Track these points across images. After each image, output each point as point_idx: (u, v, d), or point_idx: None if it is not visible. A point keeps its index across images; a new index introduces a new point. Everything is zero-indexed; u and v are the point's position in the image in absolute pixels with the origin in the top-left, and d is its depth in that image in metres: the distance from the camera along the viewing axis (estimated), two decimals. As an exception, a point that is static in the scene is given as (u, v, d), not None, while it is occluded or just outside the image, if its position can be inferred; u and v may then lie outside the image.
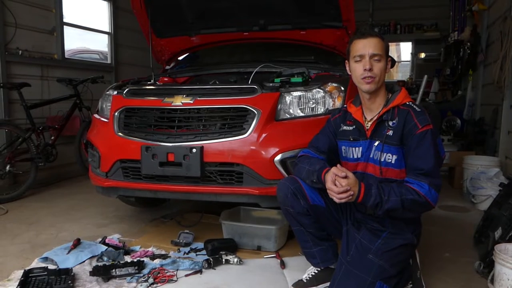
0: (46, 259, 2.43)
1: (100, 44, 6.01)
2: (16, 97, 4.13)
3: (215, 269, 2.34)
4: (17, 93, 4.05)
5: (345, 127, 2.04)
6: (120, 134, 2.65)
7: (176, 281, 2.19)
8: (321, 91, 2.54)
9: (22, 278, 2.09)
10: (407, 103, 1.90)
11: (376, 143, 1.90)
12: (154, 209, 3.56)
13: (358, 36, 1.90)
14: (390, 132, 1.87)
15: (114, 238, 2.76)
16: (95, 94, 4.65)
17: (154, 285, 2.14)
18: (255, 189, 2.41)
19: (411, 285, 2.03)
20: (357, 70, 1.89)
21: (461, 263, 2.46)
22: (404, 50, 10.10)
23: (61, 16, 4.90)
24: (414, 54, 8.87)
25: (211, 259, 2.36)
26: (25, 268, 2.21)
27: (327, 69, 3.21)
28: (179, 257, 2.45)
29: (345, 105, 2.14)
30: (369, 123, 1.94)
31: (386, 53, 1.89)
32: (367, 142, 1.93)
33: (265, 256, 2.53)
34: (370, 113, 1.96)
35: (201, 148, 2.41)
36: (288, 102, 2.53)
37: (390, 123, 1.88)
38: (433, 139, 1.81)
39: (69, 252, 2.46)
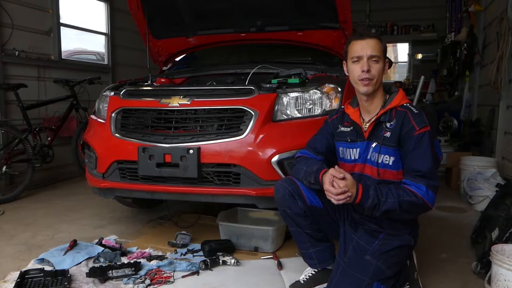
0: (42, 260, 2.41)
1: (97, 45, 5.99)
2: (13, 98, 4.11)
3: (212, 270, 2.33)
4: (13, 94, 4.04)
5: (342, 128, 2.04)
6: (117, 135, 2.64)
7: (173, 282, 2.18)
8: (318, 92, 2.54)
9: (18, 280, 2.08)
10: (405, 104, 1.90)
11: (374, 145, 1.90)
12: (151, 210, 3.55)
13: (356, 37, 1.89)
14: (388, 134, 1.86)
15: (111, 239, 2.75)
16: (92, 95, 4.65)
17: (151, 287, 2.13)
18: (252, 190, 2.41)
19: (408, 286, 2.03)
20: (354, 71, 1.89)
21: (458, 263, 2.46)
22: (401, 51, 10.15)
23: (58, 17, 4.88)
24: (411, 55, 8.90)
25: (208, 260, 2.35)
26: (21, 269, 2.21)
27: (324, 70, 3.21)
28: (176, 258, 2.45)
29: (342, 106, 2.14)
30: (366, 124, 1.94)
31: (384, 54, 1.89)
32: (365, 143, 1.93)
33: (262, 257, 2.52)
34: (367, 114, 1.96)
35: (198, 149, 2.40)
36: (285, 103, 2.53)
37: (388, 124, 1.87)
38: (430, 140, 1.81)
39: (65, 253, 2.45)
